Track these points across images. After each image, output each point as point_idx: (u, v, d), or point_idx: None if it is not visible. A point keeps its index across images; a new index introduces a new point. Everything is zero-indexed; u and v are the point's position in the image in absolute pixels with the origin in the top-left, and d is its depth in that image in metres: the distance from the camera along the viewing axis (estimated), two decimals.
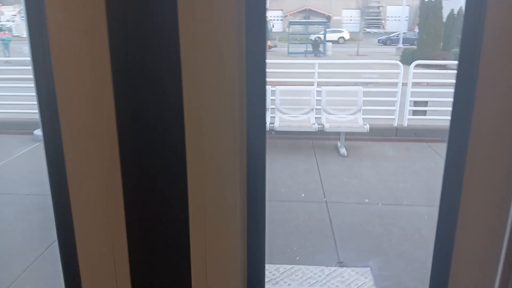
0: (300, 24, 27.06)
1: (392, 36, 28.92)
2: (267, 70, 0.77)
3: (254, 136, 0.78)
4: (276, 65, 8.56)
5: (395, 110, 6.89)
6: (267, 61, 0.79)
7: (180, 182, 0.75)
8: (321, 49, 24.00)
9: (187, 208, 0.76)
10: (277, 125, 6.18)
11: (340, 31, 31.61)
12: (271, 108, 6.49)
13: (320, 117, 6.48)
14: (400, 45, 23.33)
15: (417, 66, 6.93)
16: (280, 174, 5.28)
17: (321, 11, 36.46)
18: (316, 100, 6.60)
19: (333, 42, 27.72)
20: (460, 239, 0.82)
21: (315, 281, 3.33)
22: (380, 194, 4.85)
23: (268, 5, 0.79)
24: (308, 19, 32.44)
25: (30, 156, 6.22)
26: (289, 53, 23.11)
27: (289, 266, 3.47)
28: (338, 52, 24.29)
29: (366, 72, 9.50)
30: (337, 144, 6.39)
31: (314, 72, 7.13)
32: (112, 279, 0.81)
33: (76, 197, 0.77)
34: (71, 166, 0.76)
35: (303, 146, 6.49)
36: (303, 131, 6.31)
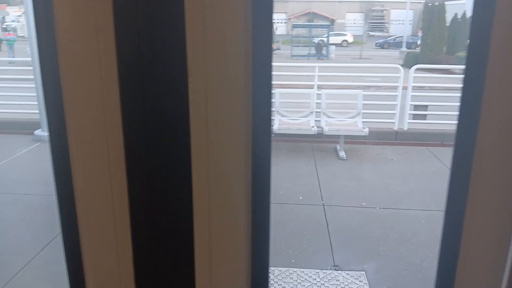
0: (303, 27, 27.10)
1: (390, 39, 28.91)
2: None
3: (260, 139, 0.78)
4: (278, 67, 8.57)
5: (395, 114, 6.88)
6: None
7: (185, 183, 0.75)
8: (324, 52, 24.02)
9: (192, 209, 0.76)
10: (276, 127, 6.18)
11: (344, 34, 31.61)
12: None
13: (319, 120, 6.48)
14: (404, 48, 23.30)
15: (421, 70, 6.91)
16: (279, 177, 5.28)
17: (325, 14, 36.47)
18: (316, 103, 6.60)
19: (337, 45, 27.73)
20: (466, 242, 0.81)
21: (309, 284, 3.33)
22: (378, 197, 4.84)
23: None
24: (312, 22, 32.45)
25: (30, 156, 6.25)
26: (292, 55, 23.12)
27: (284, 269, 3.47)
28: (341, 55, 24.29)
29: (368, 76, 9.49)
30: (337, 147, 6.38)
31: (315, 75, 7.13)
32: (116, 279, 0.81)
33: (81, 197, 0.78)
34: (77, 167, 0.76)
35: (302, 149, 6.48)
36: (302, 134, 6.30)
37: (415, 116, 7.01)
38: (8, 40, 18.69)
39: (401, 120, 6.90)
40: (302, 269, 3.48)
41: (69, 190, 0.78)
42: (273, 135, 6.24)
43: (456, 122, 0.80)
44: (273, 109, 6.49)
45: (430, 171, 5.69)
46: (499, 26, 0.70)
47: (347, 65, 10.10)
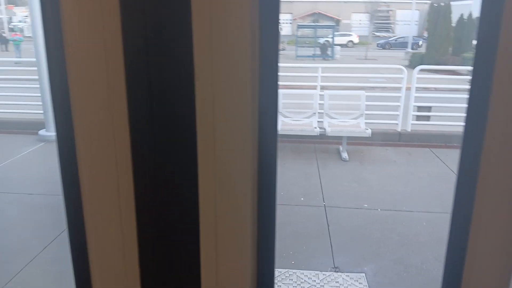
0: (308, 28, 27.07)
1: (391, 40, 28.85)
2: None
3: (266, 140, 0.78)
4: (282, 68, 8.56)
5: (398, 115, 6.85)
6: None
7: (192, 184, 0.76)
8: (329, 52, 23.98)
9: (198, 210, 0.77)
10: (278, 128, 6.18)
11: (349, 35, 31.55)
12: None
13: (322, 121, 6.47)
14: (409, 49, 23.21)
15: (426, 71, 6.88)
16: (281, 178, 5.24)
17: (330, 15, 36.42)
18: (320, 104, 6.59)
19: (342, 45, 27.69)
20: (473, 245, 0.80)
21: (309, 285, 3.32)
22: (380, 199, 4.83)
23: None
24: (318, 22, 32.42)
25: (34, 156, 6.29)
26: (297, 56, 23.11)
27: (283, 270, 3.47)
28: (346, 55, 24.25)
29: (373, 77, 9.46)
30: (339, 148, 6.37)
31: (319, 76, 7.12)
32: (122, 278, 0.81)
33: (87, 197, 0.78)
34: (84, 166, 0.77)
35: (305, 150, 6.48)
36: (305, 135, 6.30)
37: (418, 117, 6.99)
38: (15, 40, 18.85)
39: (405, 121, 6.87)
40: (302, 271, 3.47)
41: (75, 190, 0.79)
42: None
43: (463, 123, 0.79)
44: None
45: (433, 172, 5.66)
46: (507, 26, 0.70)
47: (349, 65, 10.10)
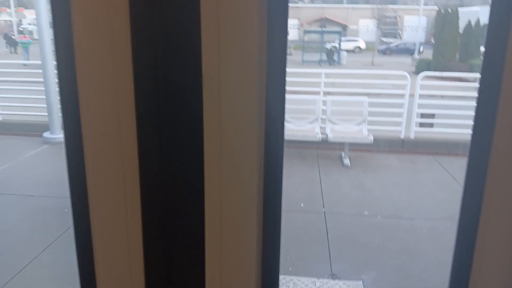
0: (315, 33, 27.07)
1: (392, 46, 28.81)
2: None
3: (272, 145, 0.78)
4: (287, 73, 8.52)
5: (401, 121, 6.83)
6: None
7: (197, 188, 0.76)
8: (335, 58, 23.96)
9: (203, 214, 0.77)
10: None
11: (356, 40, 31.51)
12: None
13: (325, 127, 6.46)
14: (416, 55, 23.13)
15: (432, 77, 6.85)
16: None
17: (337, 20, 36.40)
18: (322, 110, 6.59)
19: (349, 51, 27.65)
20: (480, 251, 0.79)
21: None
22: (380, 206, 4.80)
23: None
24: (325, 28, 32.43)
25: (37, 158, 6.34)
26: (303, 61, 23.12)
27: (281, 276, 3.45)
28: (353, 61, 24.21)
29: (376, 83, 9.43)
30: (342, 154, 6.35)
31: (324, 81, 7.11)
32: (126, 280, 0.82)
33: (94, 198, 0.79)
34: (90, 168, 0.77)
35: (307, 155, 6.47)
36: (307, 141, 6.29)
37: (422, 124, 6.95)
38: (23, 43, 19.06)
39: (408, 128, 6.84)
40: (299, 277, 3.46)
41: (82, 190, 0.79)
42: None
43: (470, 130, 0.78)
44: None
45: (435, 180, 5.62)
46: None
47: (352, 71, 10.07)
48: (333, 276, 3.48)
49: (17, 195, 4.94)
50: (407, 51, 25.56)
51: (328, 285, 3.38)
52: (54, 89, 6.98)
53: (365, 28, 35.96)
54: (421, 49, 25.50)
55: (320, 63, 23.45)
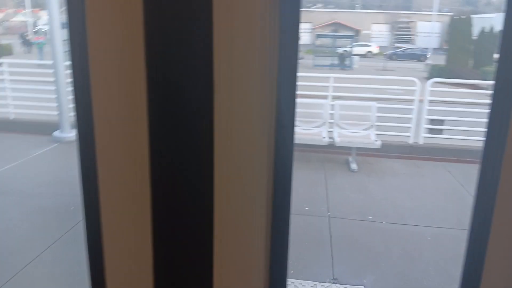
0: (327, 37, 27.04)
1: (398, 51, 28.72)
2: None
3: (282, 150, 0.79)
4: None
5: (410, 127, 6.78)
6: None
7: (207, 190, 0.77)
8: (347, 62, 23.90)
9: (212, 216, 0.78)
10: None
11: (369, 45, 31.40)
12: None
13: (332, 131, 6.44)
14: (422, 61, 22.95)
15: (444, 84, 6.79)
16: None
17: (350, 25, 36.32)
18: (331, 114, 6.57)
19: (361, 56, 27.57)
20: (491, 260, 0.79)
21: None
22: (385, 212, 4.76)
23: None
24: (337, 32, 32.35)
25: (46, 157, 6.42)
26: (314, 65, 23.10)
27: None
28: (364, 66, 24.11)
29: (390, 88, 9.38)
30: (349, 159, 6.32)
31: (335, 86, 7.10)
32: (135, 280, 0.83)
33: (105, 196, 0.80)
34: (102, 167, 0.79)
35: (313, 159, 6.45)
36: (313, 144, 6.27)
37: (431, 131, 6.89)
38: (38, 43, 19.36)
39: (417, 134, 6.79)
40: (300, 281, 3.45)
41: (94, 189, 0.80)
42: None
43: (483, 138, 0.78)
44: None
45: (442, 187, 5.56)
46: None
47: (362, 76, 10.04)
48: (335, 280, 3.46)
49: (24, 193, 5.01)
50: (414, 56, 25.45)
51: None
52: (65, 88, 7.07)
53: (378, 33, 35.81)
54: (428, 55, 25.34)
55: (331, 67, 23.40)
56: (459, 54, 17.55)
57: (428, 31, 30.24)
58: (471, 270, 0.83)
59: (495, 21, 17.73)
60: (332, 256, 3.81)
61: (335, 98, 7.01)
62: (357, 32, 35.00)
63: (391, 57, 28.09)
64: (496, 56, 0.75)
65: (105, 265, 0.84)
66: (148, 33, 0.71)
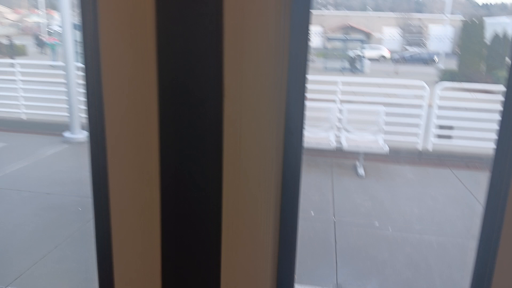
0: (338, 40, 26.92)
1: (406, 55, 28.50)
2: None
3: (291, 154, 0.80)
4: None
5: (419, 132, 6.72)
6: None
7: (216, 191, 0.78)
8: (358, 66, 23.76)
9: (220, 221, 0.79)
10: None
11: (380, 49, 31.19)
12: None
13: (340, 135, 6.42)
14: (441, 65, 22.75)
15: (454, 89, 6.72)
16: None
17: (362, 28, 36.13)
18: (338, 118, 6.55)
19: (372, 59, 27.39)
20: (500, 269, 0.79)
21: None
22: (392, 218, 4.73)
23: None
24: (348, 35, 32.20)
25: (56, 157, 6.50)
26: (325, 68, 23.01)
27: None
28: (376, 69, 23.95)
29: (397, 92, 9.31)
30: (356, 163, 6.29)
31: (345, 89, 7.07)
32: (143, 279, 0.84)
33: (115, 197, 0.81)
34: (113, 168, 0.80)
35: (321, 163, 6.43)
36: (321, 149, 6.26)
37: (440, 136, 6.83)
38: (51, 44, 19.59)
39: (426, 139, 6.73)
40: (303, 286, 3.44)
41: (104, 189, 0.82)
42: None
43: (494, 143, 0.77)
44: None
45: (450, 194, 5.51)
46: None
47: (371, 80, 9.98)
48: (338, 286, 3.45)
49: (33, 192, 5.07)
50: (421, 60, 25.24)
51: None
52: (76, 90, 7.15)
53: (389, 37, 35.57)
54: (436, 59, 25.12)
55: (342, 70, 23.28)
56: (471, 58, 17.34)
57: (440, 34, 29.98)
58: (481, 279, 0.82)
59: (509, 25, 17.52)
60: (336, 262, 3.79)
61: (343, 102, 6.98)
62: (369, 35, 34.81)
63: (398, 61, 27.90)
64: (508, 60, 0.73)
65: (113, 265, 0.85)
66: (160, 37, 0.72)
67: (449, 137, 6.78)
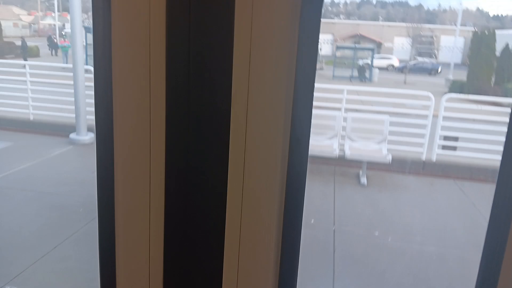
0: (347, 49, 26.87)
1: (410, 64, 28.39)
2: None
3: (296, 160, 0.80)
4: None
5: (423, 143, 6.67)
6: None
7: (220, 195, 0.79)
8: (367, 74, 23.68)
9: (224, 224, 0.80)
10: None
11: (390, 58, 31.07)
12: None
13: (343, 144, 6.40)
14: (450, 76, 22.61)
15: (465, 100, 6.67)
16: None
17: (372, 37, 36.04)
18: (343, 126, 6.54)
19: (382, 68, 27.27)
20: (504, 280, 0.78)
21: None
22: (392, 228, 4.70)
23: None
24: (358, 44, 32.13)
25: (62, 158, 6.56)
26: (334, 76, 22.97)
27: None
28: (385, 78, 23.84)
29: (403, 102, 9.25)
30: (359, 172, 6.26)
31: (352, 98, 7.06)
32: (145, 280, 0.85)
33: (120, 197, 0.83)
34: (119, 168, 0.81)
35: (324, 171, 6.41)
36: (324, 157, 6.24)
37: (445, 147, 6.77)
38: (64, 47, 19.83)
39: (430, 150, 6.68)
40: None
41: (110, 190, 0.83)
42: None
43: (501, 156, 0.77)
44: None
45: (453, 206, 5.46)
46: None
47: (378, 89, 9.95)
48: None
49: (37, 192, 5.12)
50: (425, 70, 25.16)
51: None
52: (83, 92, 7.23)
53: (400, 46, 35.43)
54: (439, 70, 25.04)
55: (351, 79, 23.22)
56: (480, 70, 17.21)
57: (451, 45, 29.80)
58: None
59: None
60: (334, 271, 3.77)
61: (348, 110, 6.97)
62: (379, 44, 34.71)
63: (401, 70, 27.75)
64: None
65: (116, 264, 0.86)
66: (170, 43, 0.74)
67: (454, 148, 6.72)
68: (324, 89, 7.52)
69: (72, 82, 7.39)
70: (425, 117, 6.82)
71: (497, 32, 17.74)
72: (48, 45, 24.60)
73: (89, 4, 0.81)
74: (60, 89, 8.40)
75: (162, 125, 0.77)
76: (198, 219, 0.80)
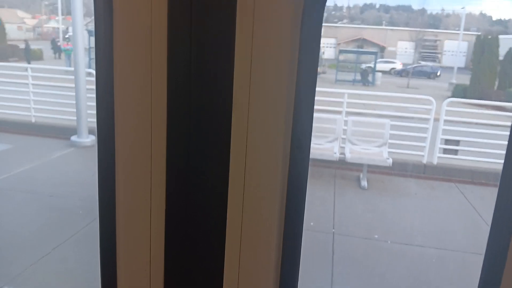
0: (350, 53, 26.89)
1: (409, 68, 28.38)
2: None
3: (297, 163, 0.80)
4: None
5: (424, 146, 6.66)
6: None
7: (221, 197, 0.79)
8: (369, 78, 23.67)
9: (225, 227, 0.80)
10: None
11: (393, 62, 31.06)
12: None
13: (344, 147, 6.39)
14: (453, 80, 22.59)
15: (467, 104, 6.65)
16: None
17: (375, 41, 36.05)
18: (344, 129, 6.53)
19: (385, 72, 27.25)
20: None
21: None
22: (392, 231, 4.68)
23: (322, 33, 0.81)
24: (362, 48, 32.15)
25: (63, 160, 6.58)
26: (336, 80, 22.97)
27: None
28: (387, 83, 23.83)
29: (404, 106, 9.24)
30: (360, 176, 6.25)
31: (345, 101, 7.06)
32: (146, 281, 0.86)
33: (121, 199, 0.83)
34: (120, 170, 0.82)
35: (324, 174, 6.40)
36: (325, 160, 6.23)
37: (446, 150, 6.75)
38: (67, 50, 19.93)
39: (431, 154, 6.66)
40: None
41: (111, 192, 0.83)
42: None
43: (503, 160, 0.77)
44: None
45: (453, 209, 5.43)
46: None
47: (379, 93, 9.95)
48: None
49: (37, 193, 5.14)
50: (424, 74, 25.18)
51: None
52: (84, 94, 7.26)
53: (403, 51, 35.40)
54: (439, 73, 25.08)
55: (353, 83, 23.21)
56: (484, 74, 17.19)
57: (455, 50, 29.76)
58: None
59: None
60: (332, 273, 3.75)
61: (349, 113, 6.96)
62: (382, 48, 34.71)
63: (401, 74, 27.72)
64: None
65: (117, 264, 0.86)
66: (171, 47, 0.74)
67: (455, 151, 6.70)
68: (326, 93, 7.53)
69: (73, 85, 7.42)
70: (426, 120, 6.81)
71: (500, 36, 17.73)
72: (51, 48, 24.75)
73: (93, 8, 0.82)
74: (62, 92, 8.44)
75: (163, 126, 0.77)
76: (199, 219, 0.80)
